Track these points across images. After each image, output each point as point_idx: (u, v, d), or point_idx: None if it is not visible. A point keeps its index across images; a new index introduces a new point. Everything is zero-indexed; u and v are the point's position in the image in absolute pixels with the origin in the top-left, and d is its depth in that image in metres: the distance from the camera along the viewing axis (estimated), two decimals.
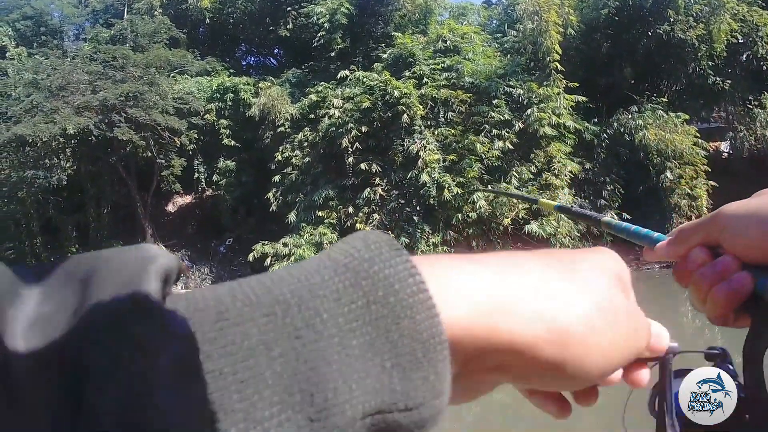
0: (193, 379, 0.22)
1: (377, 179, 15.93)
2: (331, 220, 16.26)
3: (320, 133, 16.86)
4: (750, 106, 19.03)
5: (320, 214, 16.33)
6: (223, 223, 20.65)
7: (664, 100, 18.01)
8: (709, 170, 16.66)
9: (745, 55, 19.63)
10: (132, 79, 18.01)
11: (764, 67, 18.87)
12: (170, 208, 22.85)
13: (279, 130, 17.66)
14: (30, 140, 16.75)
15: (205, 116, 19.43)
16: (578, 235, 15.58)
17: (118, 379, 0.21)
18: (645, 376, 0.40)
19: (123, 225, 20.41)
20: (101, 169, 19.64)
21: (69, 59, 19.36)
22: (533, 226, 14.87)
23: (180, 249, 20.72)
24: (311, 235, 16.05)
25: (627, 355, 0.34)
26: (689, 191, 16.22)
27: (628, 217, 16.31)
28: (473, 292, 0.29)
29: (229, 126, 19.33)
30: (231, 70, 21.08)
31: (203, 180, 20.76)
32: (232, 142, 19.13)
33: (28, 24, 28.79)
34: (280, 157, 17.38)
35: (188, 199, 22.91)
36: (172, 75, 20.31)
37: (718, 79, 18.23)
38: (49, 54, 20.14)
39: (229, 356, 0.23)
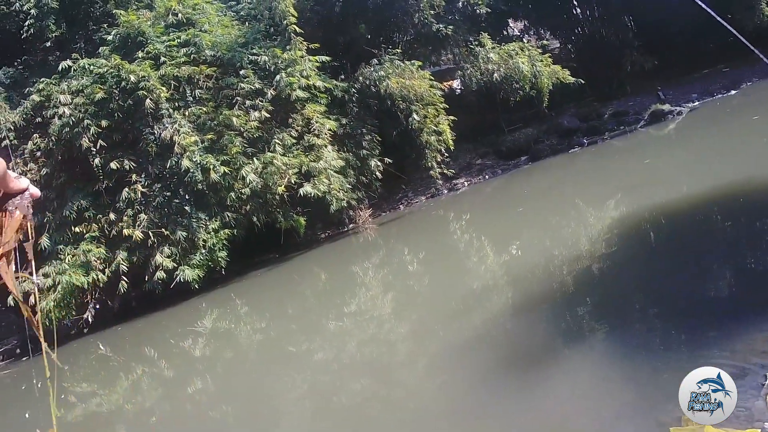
0: None
1: (134, 176, 14.46)
2: (93, 233, 14.39)
3: (53, 137, 14.62)
4: (472, 46, 21.62)
5: (77, 230, 14.34)
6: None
7: (399, 50, 19.62)
8: (448, 107, 18.71)
9: (461, 3, 22.24)
10: None
11: (477, 11, 21.64)
12: None
13: (3, 144, 14.92)
14: None
15: None
16: (350, 187, 16.26)
17: None
18: None
19: None
20: None
21: None
22: (307, 188, 15.06)
23: None
24: (74, 256, 14.04)
25: None
26: (435, 128, 18.00)
27: (390, 160, 17.61)
28: None
29: None
30: None
31: None
32: None
33: None
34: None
35: None
36: None
37: (441, 26, 20.38)
38: None
39: None
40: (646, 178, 12.97)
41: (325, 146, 16.04)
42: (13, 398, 11.70)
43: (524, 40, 25.11)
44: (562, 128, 22.04)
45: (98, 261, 14.12)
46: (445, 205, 18.81)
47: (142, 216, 14.31)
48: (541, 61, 20.78)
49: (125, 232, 14.12)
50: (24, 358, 15.07)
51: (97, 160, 14.32)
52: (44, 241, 14.33)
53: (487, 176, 20.62)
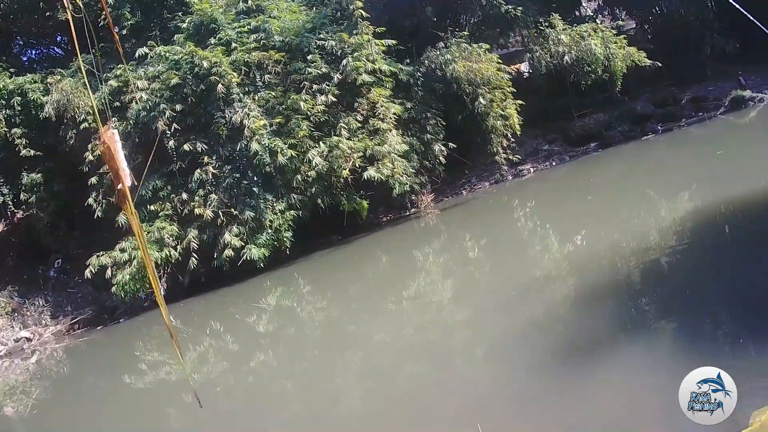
0: None
1: (205, 158, 15.06)
2: (167, 212, 15.16)
3: (131, 121, 15.47)
4: (542, 28, 20.95)
5: (152, 208, 15.14)
6: (45, 244, 18.44)
7: (466, 33, 19.26)
8: (515, 91, 18.27)
9: None
10: None
11: None
12: None
13: (82, 126, 15.91)
14: None
15: None
16: (413, 171, 16.28)
17: None
18: None
19: None
20: None
21: None
22: (371, 172, 15.21)
23: (5, 287, 18.17)
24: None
25: None
26: (501, 113, 17.65)
27: (454, 145, 17.47)
28: None
29: (24, 134, 17.00)
30: (11, 70, 18.36)
31: (10, 203, 18.22)
32: (32, 152, 16.91)
33: None
34: (91, 157, 15.68)
35: None
36: None
37: (509, 7, 19.82)
38: None
39: None
40: (724, 169, 12.22)
41: (390, 130, 16.11)
42: (91, 363, 12.59)
43: (597, 20, 24.06)
44: (635, 114, 21.03)
45: (171, 238, 14.88)
46: (509, 191, 18.46)
47: (213, 196, 14.91)
48: (615, 42, 19.89)
49: (196, 211, 14.78)
50: (98, 327, 16.19)
51: (171, 143, 15.01)
52: (121, 217, 15.22)
53: (554, 163, 20.05)
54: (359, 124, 16.05)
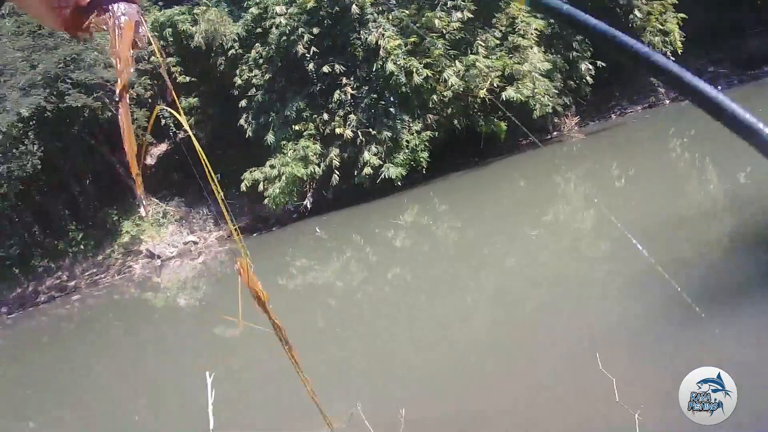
0: None
1: (344, 79, 15.48)
2: (310, 131, 16.03)
3: (272, 46, 16.20)
4: None
5: (297, 127, 16.07)
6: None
7: None
8: (677, 2, 16.13)
9: None
10: (65, 42, 17.09)
11: None
12: (149, 161, 22.50)
13: (230, 53, 16.99)
14: None
15: (151, 59, 18.64)
16: (556, 92, 15.38)
17: None
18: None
19: (110, 191, 20.24)
20: (68, 143, 19.15)
21: None
22: (510, 92, 14.63)
23: (173, 197, 20.69)
24: (294, 151, 15.91)
25: None
26: (660, 27, 15.81)
27: (603, 64, 16.07)
28: None
29: (178, 63, 18.55)
30: (160, 3, 19.84)
31: (171, 124, 20.29)
32: (187, 78, 18.43)
33: None
34: (240, 81, 16.84)
35: (163, 147, 22.52)
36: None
37: None
38: None
39: None
40: None
41: (531, 47, 15.22)
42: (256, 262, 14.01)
43: None
44: None
45: (315, 156, 15.79)
46: (665, 117, 16.54)
47: (352, 116, 15.42)
48: None
49: (337, 131, 15.45)
50: (254, 234, 17.96)
51: (311, 65, 15.56)
52: (269, 137, 16.38)
53: (720, 87, 17.70)
54: (497, 42, 15.36)
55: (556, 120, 16.81)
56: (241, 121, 17.03)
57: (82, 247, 19.17)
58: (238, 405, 5.31)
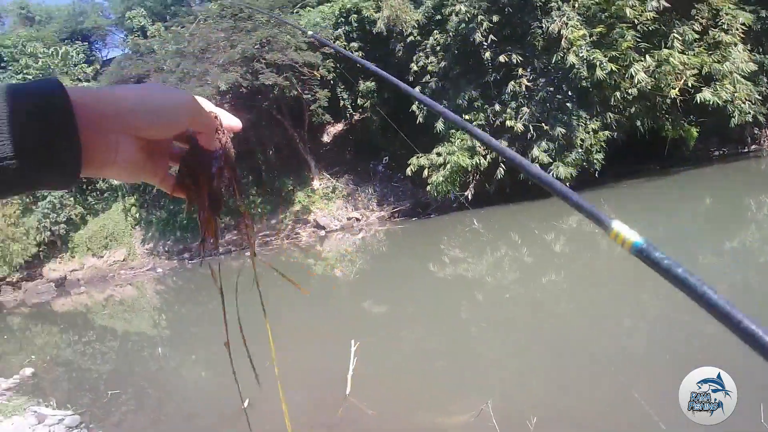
0: None
1: (519, 70, 14.98)
2: (480, 122, 15.84)
3: (450, 34, 16.17)
4: None
5: (467, 117, 15.93)
6: (376, 143, 21.31)
7: None
8: None
9: None
10: (262, 26, 18.79)
11: None
12: (325, 138, 24.01)
13: (409, 40, 17.32)
14: None
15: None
16: (759, 98, 13.38)
17: None
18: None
19: (289, 162, 22.02)
20: (258, 116, 21.14)
21: (202, 21, 20.61)
22: (706, 94, 13.05)
23: (343, 175, 21.90)
24: (462, 140, 15.88)
25: (171, 100, 0.58)
26: None
27: None
28: (92, 91, 0.54)
29: (360, 47, 19.46)
30: None
31: (349, 106, 21.40)
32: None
33: (157, 0, 31.38)
34: (415, 67, 17.14)
35: (339, 127, 23.84)
36: (295, 11, 20.80)
37: None
38: (183, 23, 21.62)
39: None
40: None
41: (735, 45, 13.42)
42: (404, 247, 14.35)
43: None
44: None
45: (482, 147, 15.59)
46: None
47: (524, 109, 14.91)
48: None
49: (507, 123, 15.06)
50: (413, 218, 18.31)
51: (487, 54, 15.28)
52: (439, 125, 16.49)
53: None
54: (696, 36, 13.75)
55: (756, 131, 14.67)
56: (413, 107, 17.36)
57: (259, 210, 21.17)
58: (375, 377, 5.45)
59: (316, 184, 21.60)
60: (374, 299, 9.54)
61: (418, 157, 16.44)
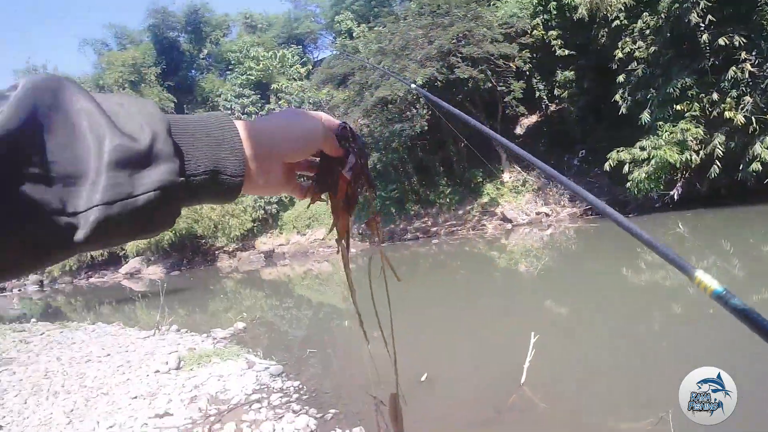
0: None
1: (743, 54, 13.08)
2: (693, 112, 14.28)
3: (662, 15, 14.72)
4: None
5: (678, 107, 14.49)
6: (572, 135, 20.40)
7: None
8: None
9: None
10: (458, 20, 19.02)
11: None
12: (518, 130, 23.62)
13: (614, 24, 16.14)
14: (390, 99, 19.53)
15: (533, 33, 19.18)
16: None
17: None
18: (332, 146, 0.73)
19: (480, 154, 22.16)
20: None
21: (402, 20, 21.51)
22: None
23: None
24: (671, 133, 14.48)
25: (308, 127, 0.68)
26: None
27: None
28: (252, 125, 0.64)
29: (559, 36, 18.69)
30: None
31: (545, 97, 20.76)
32: (566, 51, 18.44)
33: (362, 3, 33.33)
34: (620, 54, 15.94)
35: (533, 118, 23.25)
36: (492, 3, 20.62)
37: None
38: (385, 23, 22.78)
39: None
40: None
41: None
42: (595, 247, 13.60)
43: None
44: None
45: (694, 141, 14.06)
46: None
47: (747, 99, 13.06)
48: None
49: (726, 114, 13.35)
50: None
51: (704, 36, 13.63)
52: (644, 116, 15.21)
53: None
54: None
55: None
56: (616, 97, 16.24)
57: (447, 200, 21.71)
58: (551, 372, 5.41)
59: (506, 176, 21.42)
60: (558, 297, 9.28)
61: (618, 151, 15.38)
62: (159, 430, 4.79)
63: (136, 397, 5.71)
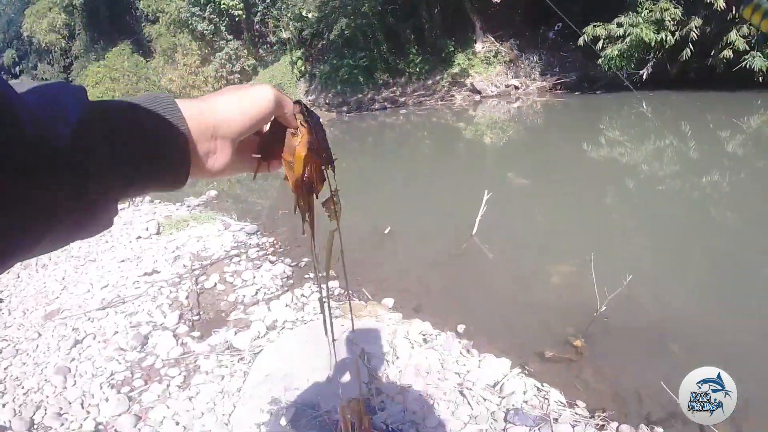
0: None
1: None
2: None
3: None
4: None
5: None
6: (550, 7, 19.66)
7: None
8: None
9: None
10: None
11: None
12: None
13: None
14: None
15: None
16: None
17: None
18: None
19: (453, 22, 21.23)
20: None
21: None
22: None
23: (508, 39, 20.81)
24: (650, 11, 14.19)
25: (256, 102, 0.64)
26: None
27: None
28: (197, 104, 0.60)
29: None
30: None
31: None
32: None
33: None
34: None
35: None
36: None
37: None
38: None
39: None
40: None
41: None
42: (560, 122, 13.85)
43: None
44: None
45: (672, 22, 13.85)
46: None
47: None
48: None
49: None
50: (576, 92, 17.25)
51: None
52: None
53: None
54: None
55: None
56: None
57: (417, 69, 21.15)
58: (500, 227, 5.93)
59: (478, 46, 20.83)
60: (516, 166, 9.59)
61: (594, 26, 15.05)
62: (150, 284, 5.20)
63: (123, 261, 6.08)
